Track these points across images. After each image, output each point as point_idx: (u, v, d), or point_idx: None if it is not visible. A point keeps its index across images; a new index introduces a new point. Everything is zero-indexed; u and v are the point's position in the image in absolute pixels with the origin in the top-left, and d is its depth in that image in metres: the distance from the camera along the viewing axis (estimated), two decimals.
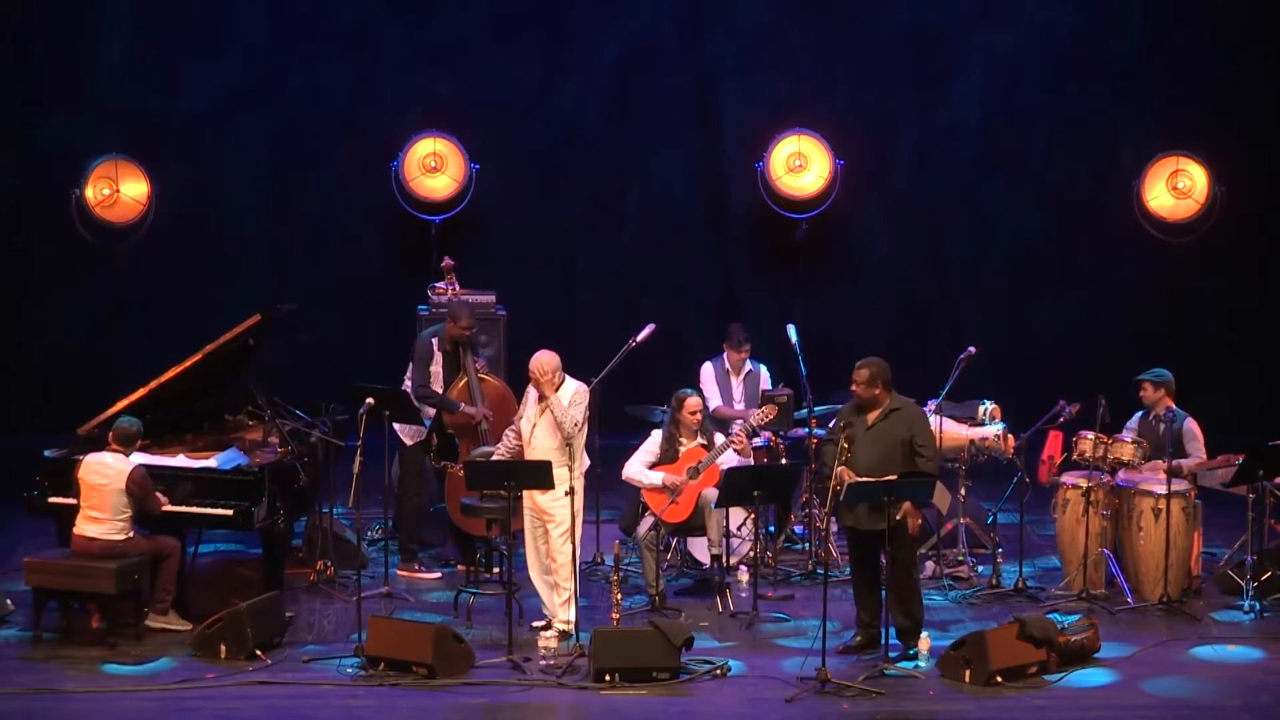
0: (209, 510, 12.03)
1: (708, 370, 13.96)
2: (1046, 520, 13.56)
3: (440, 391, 13.16)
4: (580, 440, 11.66)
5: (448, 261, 14.00)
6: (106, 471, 11.65)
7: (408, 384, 13.25)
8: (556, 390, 11.64)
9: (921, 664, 11.33)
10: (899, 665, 11.20)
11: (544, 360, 11.68)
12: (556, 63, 17.81)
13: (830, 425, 11.84)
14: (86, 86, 17.41)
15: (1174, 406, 12.94)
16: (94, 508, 11.64)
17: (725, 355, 13.93)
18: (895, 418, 11.40)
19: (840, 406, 13.88)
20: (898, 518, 11.12)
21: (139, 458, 11.90)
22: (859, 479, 11.11)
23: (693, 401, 12.60)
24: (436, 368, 13.25)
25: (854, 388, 11.44)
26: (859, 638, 11.59)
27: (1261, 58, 17.66)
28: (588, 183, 17.93)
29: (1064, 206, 17.87)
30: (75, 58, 17.37)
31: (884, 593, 11.37)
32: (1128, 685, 11.11)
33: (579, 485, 11.63)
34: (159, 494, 11.84)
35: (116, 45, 17.46)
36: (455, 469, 12.90)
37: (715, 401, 13.79)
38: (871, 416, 11.42)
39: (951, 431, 13.12)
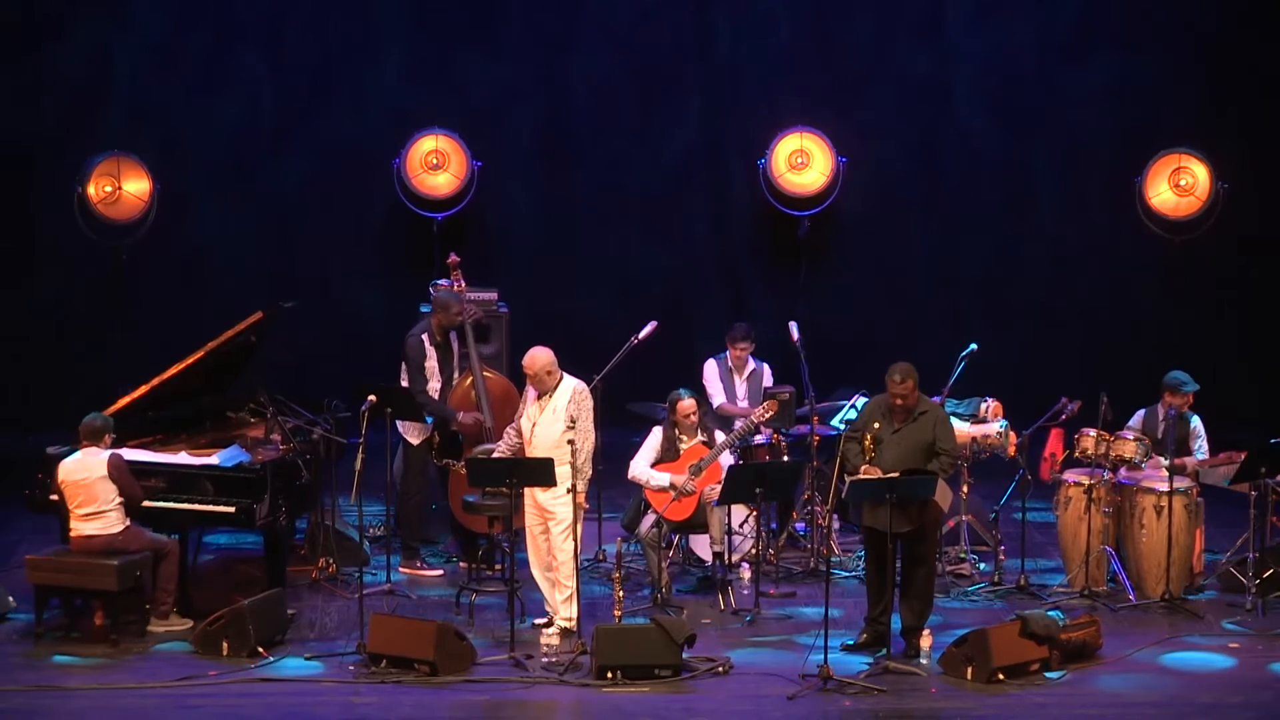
0: (211, 507, 12.04)
1: (711, 367, 13.95)
2: (1048, 517, 13.57)
3: (440, 388, 13.17)
4: (588, 447, 11.62)
5: (454, 258, 14.00)
6: (85, 467, 11.63)
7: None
8: (555, 386, 11.64)
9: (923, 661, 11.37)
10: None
11: (537, 356, 11.66)
12: (559, 61, 17.79)
13: (854, 422, 11.76)
14: (88, 83, 17.40)
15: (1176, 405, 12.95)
16: (84, 504, 11.62)
17: (729, 353, 13.93)
18: (922, 420, 11.37)
19: (839, 404, 13.86)
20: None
21: (134, 454, 11.93)
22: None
23: (685, 405, 12.55)
24: (432, 363, 13.23)
25: (897, 401, 11.34)
26: (865, 635, 11.58)
27: (1265, 54, 17.64)
28: (590, 180, 17.91)
29: (1066, 203, 17.85)
30: (77, 56, 17.36)
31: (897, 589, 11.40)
32: (1129, 683, 11.11)
33: (581, 485, 11.61)
34: (141, 486, 11.81)
35: (119, 41, 17.46)
36: (457, 467, 12.90)
37: (719, 399, 13.79)
38: (899, 418, 11.40)
39: (953, 429, 13.09)
